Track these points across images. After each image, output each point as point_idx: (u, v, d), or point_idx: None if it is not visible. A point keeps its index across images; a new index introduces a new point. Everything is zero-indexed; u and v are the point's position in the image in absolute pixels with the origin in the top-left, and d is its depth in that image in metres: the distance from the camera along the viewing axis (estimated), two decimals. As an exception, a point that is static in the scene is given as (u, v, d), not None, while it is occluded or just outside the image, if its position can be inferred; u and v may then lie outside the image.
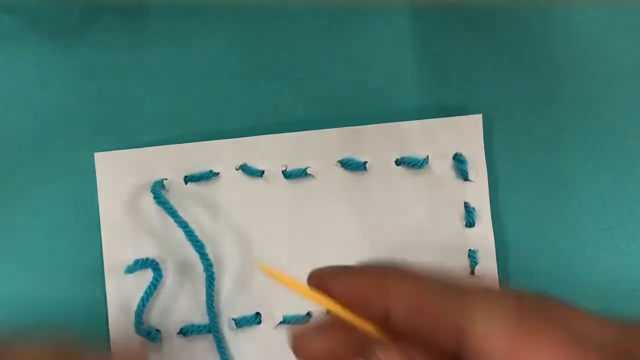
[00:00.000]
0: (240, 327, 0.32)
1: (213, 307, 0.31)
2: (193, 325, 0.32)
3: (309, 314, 0.32)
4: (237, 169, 0.32)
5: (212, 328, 0.31)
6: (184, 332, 0.32)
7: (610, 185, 0.32)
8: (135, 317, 0.31)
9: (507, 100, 0.32)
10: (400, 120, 0.32)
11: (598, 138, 0.32)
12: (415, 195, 0.31)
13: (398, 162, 0.31)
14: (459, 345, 0.18)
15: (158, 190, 0.31)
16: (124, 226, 0.32)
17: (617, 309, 0.31)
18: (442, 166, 0.31)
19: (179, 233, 0.32)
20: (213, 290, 0.31)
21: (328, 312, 0.21)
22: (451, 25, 0.32)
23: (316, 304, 0.21)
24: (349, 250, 0.31)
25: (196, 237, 0.31)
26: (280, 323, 0.31)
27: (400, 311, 0.19)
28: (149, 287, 0.31)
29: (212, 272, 0.31)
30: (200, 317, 0.32)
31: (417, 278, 0.20)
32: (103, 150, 0.32)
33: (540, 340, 0.17)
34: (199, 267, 0.32)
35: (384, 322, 0.20)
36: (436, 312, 0.18)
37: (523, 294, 0.19)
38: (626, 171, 0.32)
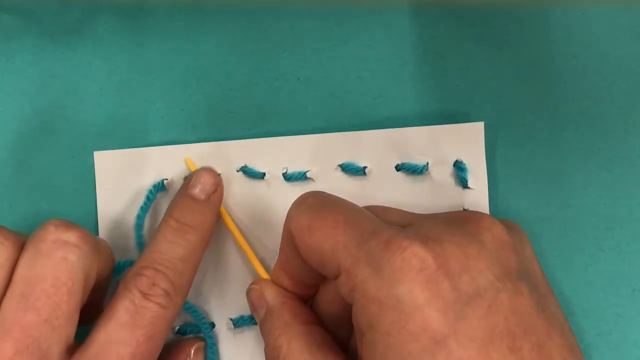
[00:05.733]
0: (238, 327, 0.32)
1: None
2: (191, 325, 0.32)
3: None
4: (237, 171, 0.32)
5: None
6: (182, 331, 0.32)
7: (610, 185, 0.32)
8: None
9: (506, 101, 0.32)
10: (400, 122, 0.32)
11: (598, 138, 0.32)
12: (414, 201, 0.31)
13: (398, 168, 0.31)
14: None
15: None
16: (122, 226, 0.32)
17: (617, 309, 0.32)
18: (442, 173, 0.31)
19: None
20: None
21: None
22: (451, 26, 0.32)
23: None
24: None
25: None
26: (279, 323, 0.32)
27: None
28: None
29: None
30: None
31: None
32: (103, 150, 0.32)
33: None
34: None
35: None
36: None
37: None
38: (626, 171, 0.32)
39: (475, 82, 0.32)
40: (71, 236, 0.25)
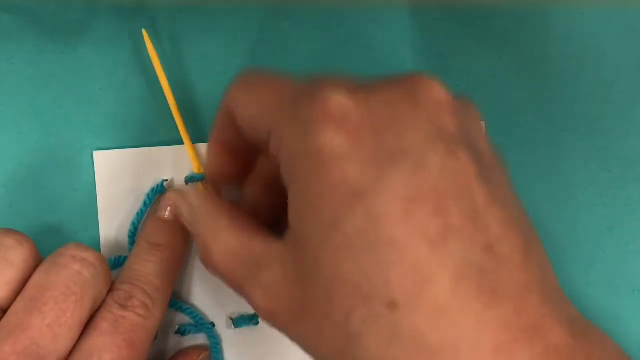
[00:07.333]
0: (237, 327, 0.32)
1: None
2: (191, 325, 0.32)
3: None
4: (237, 170, 0.32)
5: None
6: (182, 331, 0.32)
7: (610, 185, 0.32)
8: None
9: (506, 101, 0.32)
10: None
11: (598, 138, 0.32)
12: None
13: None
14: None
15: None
16: (123, 226, 0.32)
17: (617, 309, 0.32)
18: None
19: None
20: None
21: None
22: (451, 26, 0.33)
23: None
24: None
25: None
26: (279, 323, 0.31)
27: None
28: None
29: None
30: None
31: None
32: (103, 150, 0.32)
33: None
34: (196, 266, 0.32)
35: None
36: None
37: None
38: (626, 171, 0.32)
39: (475, 82, 0.32)
40: (89, 256, 0.26)
